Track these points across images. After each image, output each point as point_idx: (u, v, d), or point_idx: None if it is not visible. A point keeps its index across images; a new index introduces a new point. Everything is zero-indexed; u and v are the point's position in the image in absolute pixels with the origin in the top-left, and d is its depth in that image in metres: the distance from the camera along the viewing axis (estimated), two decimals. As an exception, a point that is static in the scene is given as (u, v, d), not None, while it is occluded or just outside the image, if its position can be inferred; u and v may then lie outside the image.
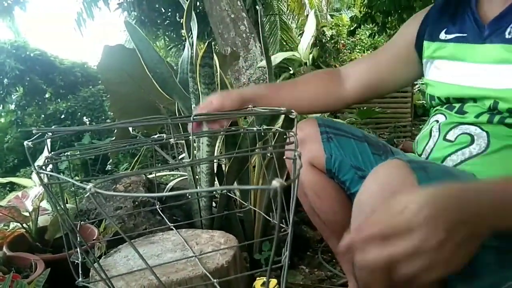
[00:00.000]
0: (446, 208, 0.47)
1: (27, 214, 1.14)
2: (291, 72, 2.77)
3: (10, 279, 0.73)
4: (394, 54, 0.93)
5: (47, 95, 8.07)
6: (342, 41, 6.21)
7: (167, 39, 6.71)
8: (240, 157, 1.42)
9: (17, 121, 7.42)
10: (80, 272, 0.68)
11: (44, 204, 1.28)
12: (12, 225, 1.27)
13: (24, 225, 1.13)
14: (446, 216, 0.46)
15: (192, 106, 1.41)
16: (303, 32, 4.16)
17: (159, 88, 1.41)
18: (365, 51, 7.10)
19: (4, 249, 1.06)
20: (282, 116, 1.32)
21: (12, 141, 7.11)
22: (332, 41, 5.40)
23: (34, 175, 1.31)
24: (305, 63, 2.22)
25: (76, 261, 0.82)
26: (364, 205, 0.59)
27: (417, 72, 0.91)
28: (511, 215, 0.50)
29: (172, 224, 1.00)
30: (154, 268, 0.72)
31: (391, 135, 3.79)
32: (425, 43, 0.86)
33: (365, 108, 3.50)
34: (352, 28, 3.86)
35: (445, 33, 0.83)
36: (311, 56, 1.89)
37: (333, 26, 6.28)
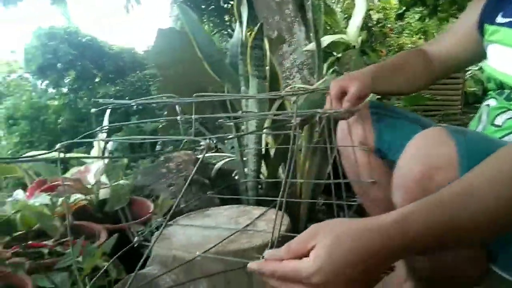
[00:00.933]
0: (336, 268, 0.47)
1: (89, 186, 1.23)
2: (338, 55, 2.74)
3: (81, 244, 0.80)
4: (465, 33, 0.92)
5: (97, 80, 8.41)
6: (389, 25, 6.00)
7: (211, 25, 6.77)
8: (286, 139, 1.44)
9: (69, 103, 7.81)
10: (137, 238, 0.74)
11: (104, 179, 1.37)
12: (73, 197, 1.37)
13: (87, 197, 1.22)
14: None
15: (241, 89, 1.44)
16: (347, 16, 4.06)
17: (210, 70, 1.45)
18: (414, 36, 6.83)
19: (70, 218, 1.16)
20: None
21: (65, 122, 7.50)
22: (379, 25, 5.23)
23: (93, 151, 1.40)
24: (353, 46, 2.19)
25: (136, 231, 0.89)
26: (403, 168, 0.61)
27: (482, 53, 0.89)
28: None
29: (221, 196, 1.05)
30: (209, 238, 0.77)
31: (440, 123, 3.66)
32: (486, 25, 0.84)
33: (413, 94, 3.39)
34: (400, 11, 3.71)
35: (502, 16, 0.80)
36: (360, 39, 1.86)
37: (380, 9, 6.07)
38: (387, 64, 1.01)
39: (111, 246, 0.82)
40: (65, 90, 8.26)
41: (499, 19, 0.80)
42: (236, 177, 1.73)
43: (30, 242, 0.94)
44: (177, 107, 2.09)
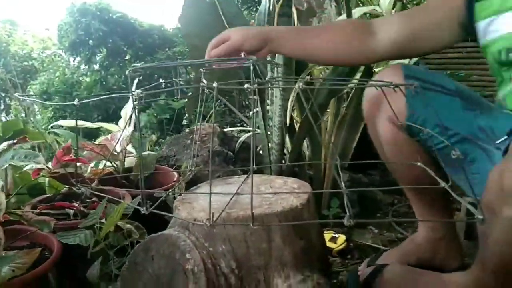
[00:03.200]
0: None
1: (115, 154, 1.25)
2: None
3: (105, 203, 0.81)
4: (436, 16, 0.85)
5: (127, 57, 8.52)
6: None
7: (240, 1, 6.69)
8: (312, 113, 1.41)
9: (101, 80, 7.96)
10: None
11: (130, 148, 1.39)
12: (100, 165, 1.39)
13: (113, 164, 1.24)
14: None
15: (267, 59, 1.41)
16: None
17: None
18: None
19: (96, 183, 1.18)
20: (362, 68, 1.28)
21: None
22: None
23: (120, 121, 1.41)
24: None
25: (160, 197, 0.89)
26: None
27: (458, 37, 0.84)
28: None
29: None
30: (231, 204, 0.76)
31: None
32: (479, 4, 0.78)
33: (448, 72, 3.25)
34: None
35: None
36: (393, 11, 1.76)
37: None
38: (306, 28, 0.98)
39: (133, 209, 0.83)
40: (96, 67, 8.42)
41: None
42: (261, 152, 1.73)
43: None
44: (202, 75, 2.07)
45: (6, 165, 0.85)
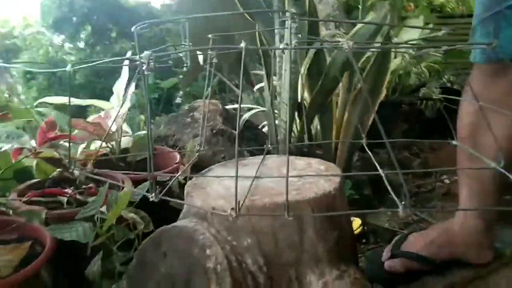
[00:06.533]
0: None
1: (110, 133, 1.12)
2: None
3: (106, 190, 0.70)
4: None
5: (113, 35, 8.24)
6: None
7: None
8: (324, 90, 1.30)
9: (86, 59, 7.69)
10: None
11: (126, 127, 1.27)
12: (92, 146, 1.27)
13: (109, 144, 1.12)
14: None
15: (275, 30, 1.29)
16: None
17: (240, 8, 1.29)
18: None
19: (90, 166, 1.06)
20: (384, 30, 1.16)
21: (82, 78, 7.43)
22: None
23: (113, 98, 1.28)
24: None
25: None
26: None
27: None
28: None
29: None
30: (251, 191, 0.65)
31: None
32: None
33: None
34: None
35: None
36: None
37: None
38: None
39: (141, 196, 0.72)
40: (81, 45, 8.13)
41: None
42: (264, 129, 1.62)
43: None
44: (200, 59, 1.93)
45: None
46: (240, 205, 0.57)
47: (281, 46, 0.52)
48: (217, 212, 0.58)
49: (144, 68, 0.56)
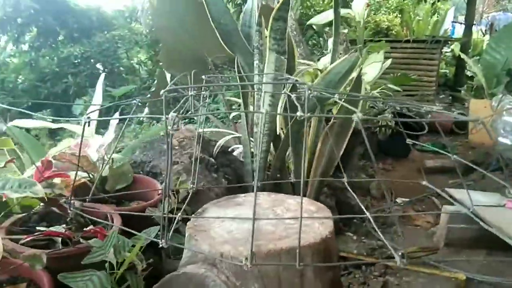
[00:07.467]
0: None
1: (91, 163, 1.11)
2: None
3: (115, 235, 0.70)
4: None
5: (60, 38, 7.88)
6: (367, 1, 5.97)
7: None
8: (299, 121, 1.37)
9: (30, 62, 7.29)
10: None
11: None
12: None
13: (89, 174, 1.11)
14: None
15: (255, 63, 1.35)
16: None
17: (221, 40, 1.34)
18: (391, 14, 6.87)
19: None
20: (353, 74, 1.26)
21: (26, 82, 7.01)
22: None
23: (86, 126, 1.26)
24: (359, 22, 2.15)
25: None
26: None
27: None
28: None
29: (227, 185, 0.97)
30: (251, 233, 0.70)
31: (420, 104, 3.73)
32: None
33: (399, 74, 3.40)
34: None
35: None
36: (366, 13, 1.85)
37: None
38: None
39: (148, 241, 0.74)
40: (25, 47, 7.68)
41: None
42: (238, 156, 1.66)
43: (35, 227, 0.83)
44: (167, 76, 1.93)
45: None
46: (249, 253, 0.61)
47: (298, 113, 0.58)
48: (231, 262, 0.62)
49: (169, 128, 0.60)
